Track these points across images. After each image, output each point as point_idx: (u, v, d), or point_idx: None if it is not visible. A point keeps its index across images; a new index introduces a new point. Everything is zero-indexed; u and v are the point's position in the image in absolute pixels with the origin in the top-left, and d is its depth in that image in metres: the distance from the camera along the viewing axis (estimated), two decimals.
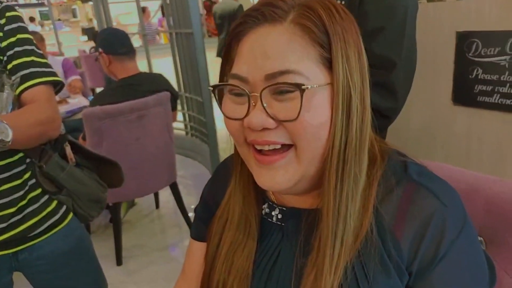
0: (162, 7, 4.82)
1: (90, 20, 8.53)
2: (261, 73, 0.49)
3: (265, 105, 0.49)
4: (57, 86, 1.05)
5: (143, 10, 6.22)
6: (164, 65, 3.80)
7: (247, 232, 0.62)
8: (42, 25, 7.58)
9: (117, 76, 2.23)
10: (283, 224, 0.60)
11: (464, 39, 1.39)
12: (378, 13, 1.00)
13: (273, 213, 0.62)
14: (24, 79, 0.97)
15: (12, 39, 0.98)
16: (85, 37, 7.69)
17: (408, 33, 1.03)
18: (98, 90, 4.90)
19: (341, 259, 0.51)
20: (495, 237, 0.69)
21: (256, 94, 0.50)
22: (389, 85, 1.01)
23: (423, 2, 2.42)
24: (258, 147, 0.52)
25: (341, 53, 0.49)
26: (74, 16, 8.79)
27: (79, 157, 1.17)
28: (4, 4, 1.01)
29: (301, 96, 0.47)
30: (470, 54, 1.37)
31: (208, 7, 7.04)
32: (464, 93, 1.44)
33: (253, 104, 0.50)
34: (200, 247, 0.72)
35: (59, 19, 7.90)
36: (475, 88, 1.39)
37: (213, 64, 4.41)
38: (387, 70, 1.01)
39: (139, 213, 2.85)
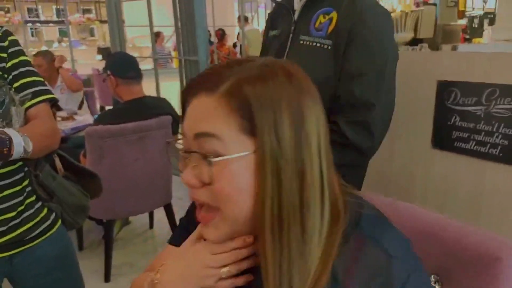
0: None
1: (104, 36, 8.81)
2: (191, 132, 0.55)
3: (193, 164, 0.54)
4: (52, 102, 1.16)
5: (157, 35, 6.45)
6: (172, 88, 3.92)
7: None
8: (59, 42, 7.88)
9: (122, 98, 2.34)
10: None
11: (444, 88, 1.48)
12: (360, 59, 1.10)
13: None
14: (30, 97, 1.07)
15: (15, 60, 1.08)
16: (100, 56, 7.95)
17: (386, 80, 1.12)
18: (107, 108, 5.04)
19: None
20: (451, 277, 0.74)
21: (186, 154, 0.56)
22: (366, 125, 1.10)
23: (407, 51, 2.53)
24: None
25: (268, 123, 0.51)
26: (92, 35, 9.11)
27: (65, 167, 1.26)
28: (4, 28, 1.12)
29: (211, 166, 0.52)
30: (449, 102, 1.45)
31: (220, 36, 7.27)
32: (443, 138, 1.51)
33: (188, 161, 0.55)
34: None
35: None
36: (453, 134, 1.46)
37: None
38: (365, 111, 1.10)
39: (133, 231, 2.90)
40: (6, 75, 1.06)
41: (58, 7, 8.35)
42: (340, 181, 0.63)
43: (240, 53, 6.84)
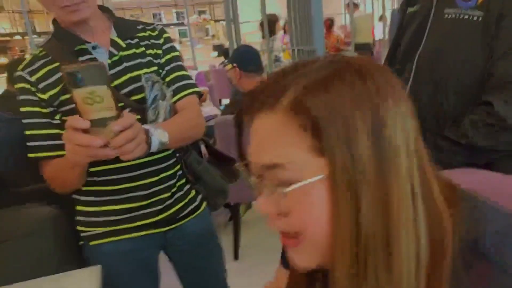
0: (285, 25, 5.10)
1: (218, 35, 9.35)
2: (258, 161, 0.49)
3: (268, 193, 0.48)
4: (198, 95, 1.26)
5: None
6: None
7: None
8: (180, 42, 8.62)
9: (244, 89, 2.49)
10: None
11: None
12: None
13: None
14: (179, 90, 1.18)
15: (168, 56, 1.19)
16: (215, 53, 8.49)
17: None
18: (224, 101, 5.37)
19: None
20: None
21: (259, 184, 0.49)
22: None
23: None
24: None
25: (338, 138, 0.43)
26: (207, 34, 9.78)
27: (208, 153, 1.39)
28: (161, 26, 1.23)
29: (285, 198, 0.46)
30: None
31: (329, 25, 7.18)
32: None
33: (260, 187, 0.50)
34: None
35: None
36: None
37: None
38: None
39: (256, 214, 3.07)
40: (160, 70, 1.18)
41: (177, 10, 9.14)
42: (444, 180, 0.51)
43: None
